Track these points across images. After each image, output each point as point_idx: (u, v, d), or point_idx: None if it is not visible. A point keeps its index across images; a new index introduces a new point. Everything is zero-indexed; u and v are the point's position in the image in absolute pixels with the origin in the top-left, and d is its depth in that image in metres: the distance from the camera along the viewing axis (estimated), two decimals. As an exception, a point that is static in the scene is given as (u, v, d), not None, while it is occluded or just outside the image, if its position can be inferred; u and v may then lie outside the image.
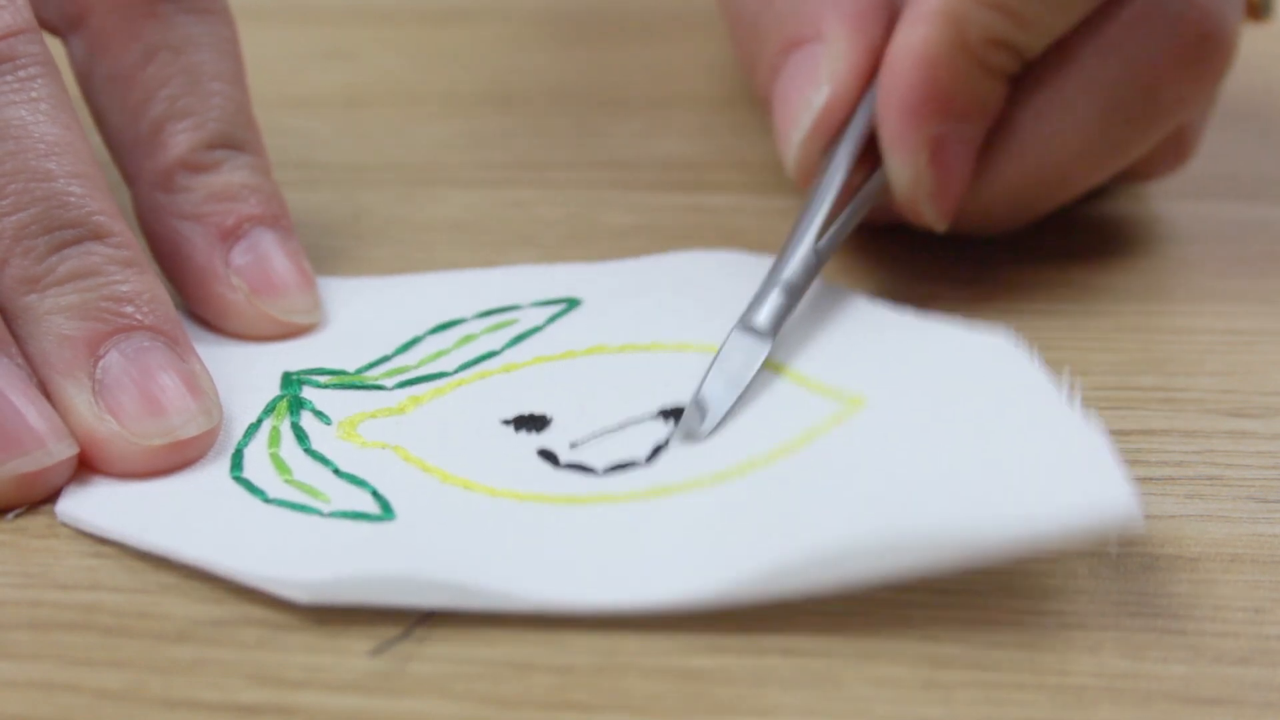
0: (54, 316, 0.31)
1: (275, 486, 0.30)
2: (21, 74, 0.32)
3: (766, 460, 0.30)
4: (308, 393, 0.33)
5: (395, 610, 0.27)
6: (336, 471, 0.30)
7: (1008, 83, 0.35)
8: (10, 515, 0.30)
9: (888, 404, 0.31)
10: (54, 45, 0.34)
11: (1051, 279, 0.38)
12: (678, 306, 0.35)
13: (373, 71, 0.51)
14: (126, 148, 0.35)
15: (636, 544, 0.28)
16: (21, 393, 0.30)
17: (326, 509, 0.29)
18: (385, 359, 0.34)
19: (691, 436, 0.31)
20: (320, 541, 0.28)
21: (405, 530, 0.29)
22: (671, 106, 0.48)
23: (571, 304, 0.35)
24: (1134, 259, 0.39)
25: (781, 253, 0.33)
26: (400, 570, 0.27)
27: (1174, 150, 0.38)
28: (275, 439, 0.31)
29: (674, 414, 0.31)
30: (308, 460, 0.31)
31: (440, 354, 0.34)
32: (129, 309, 0.31)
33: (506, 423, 0.32)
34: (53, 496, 0.30)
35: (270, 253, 0.35)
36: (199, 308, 0.35)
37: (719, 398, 0.31)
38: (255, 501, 0.30)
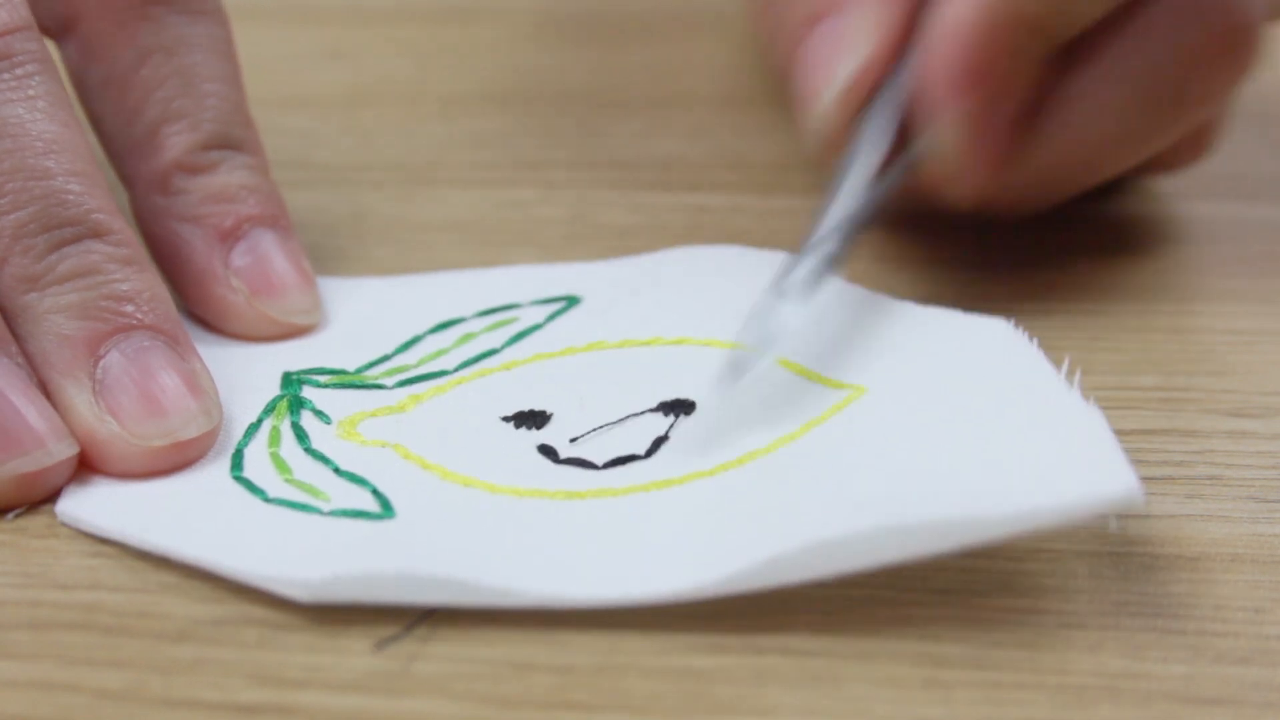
0: (54, 316, 0.31)
1: (275, 486, 0.30)
2: (19, 71, 0.32)
3: (767, 452, 0.30)
4: (308, 392, 0.33)
5: (396, 609, 0.27)
6: (337, 470, 0.30)
7: (1042, 66, 0.35)
8: (10, 515, 0.30)
9: (888, 390, 0.31)
10: (52, 47, 0.34)
11: (1052, 279, 0.38)
12: (677, 302, 0.35)
13: (373, 71, 0.51)
14: (123, 151, 0.35)
15: (637, 537, 0.28)
16: (21, 392, 0.30)
17: (327, 508, 0.29)
18: (385, 358, 0.34)
19: (737, 371, 0.31)
20: (320, 540, 0.28)
21: (405, 528, 0.29)
22: (671, 106, 0.48)
23: (571, 302, 0.35)
24: (1134, 259, 0.39)
25: (816, 225, 0.33)
26: (400, 568, 0.27)
27: (1194, 144, 0.38)
28: (275, 438, 0.31)
29: (674, 408, 0.31)
30: (308, 459, 0.31)
31: (440, 353, 0.34)
32: (129, 308, 0.31)
33: (506, 419, 0.32)
34: (53, 496, 0.30)
35: (270, 253, 0.35)
36: (199, 309, 0.35)
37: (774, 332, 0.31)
38: (255, 501, 0.30)
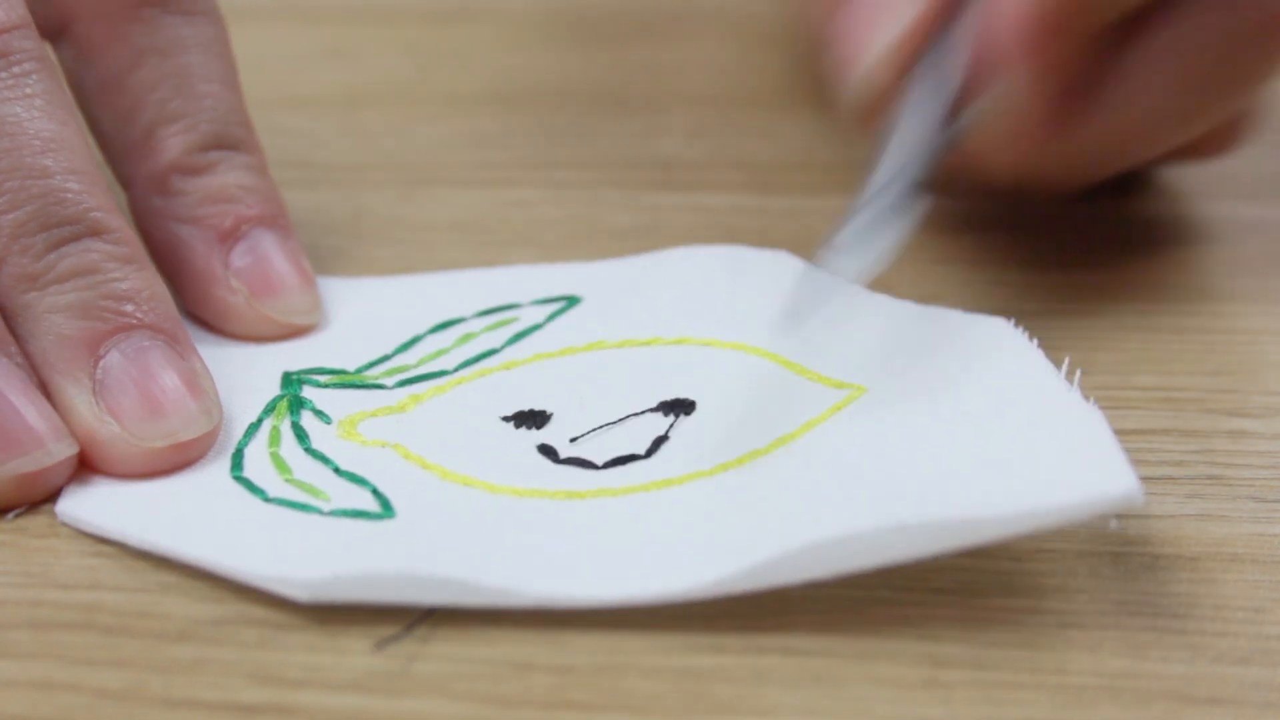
0: (54, 315, 0.31)
1: (275, 485, 0.30)
2: (16, 70, 0.32)
3: (767, 452, 0.30)
4: (308, 392, 0.33)
5: (396, 609, 0.27)
6: (337, 470, 0.30)
7: (1093, 43, 0.35)
8: (10, 515, 0.30)
9: (888, 390, 0.31)
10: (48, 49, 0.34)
11: (1052, 279, 0.38)
12: (677, 302, 0.35)
13: (373, 71, 0.51)
14: (120, 153, 0.35)
15: (637, 537, 0.28)
16: (21, 393, 0.30)
17: (327, 508, 0.29)
18: (385, 358, 0.34)
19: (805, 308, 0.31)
20: (321, 540, 0.28)
21: (405, 528, 0.29)
22: (671, 106, 0.48)
23: (571, 301, 0.35)
24: (1134, 259, 0.39)
25: (867, 186, 0.33)
26: (401, 568, 0.27)
27: (1227, 133, 0.38)
28: (275, 438, 0.31)
29: (674, 407, 0.31)
30: (308, 459, 0.31)
31: (440, 353, 0.34)
32: (129, 307, 0.31)
33: (506, 419, 0.32)
34: (53, 496, 0.30)
35: (270, 253, 0.35)
36: (199, 310, 0.35)
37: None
38: (255, 501, 0.30)
